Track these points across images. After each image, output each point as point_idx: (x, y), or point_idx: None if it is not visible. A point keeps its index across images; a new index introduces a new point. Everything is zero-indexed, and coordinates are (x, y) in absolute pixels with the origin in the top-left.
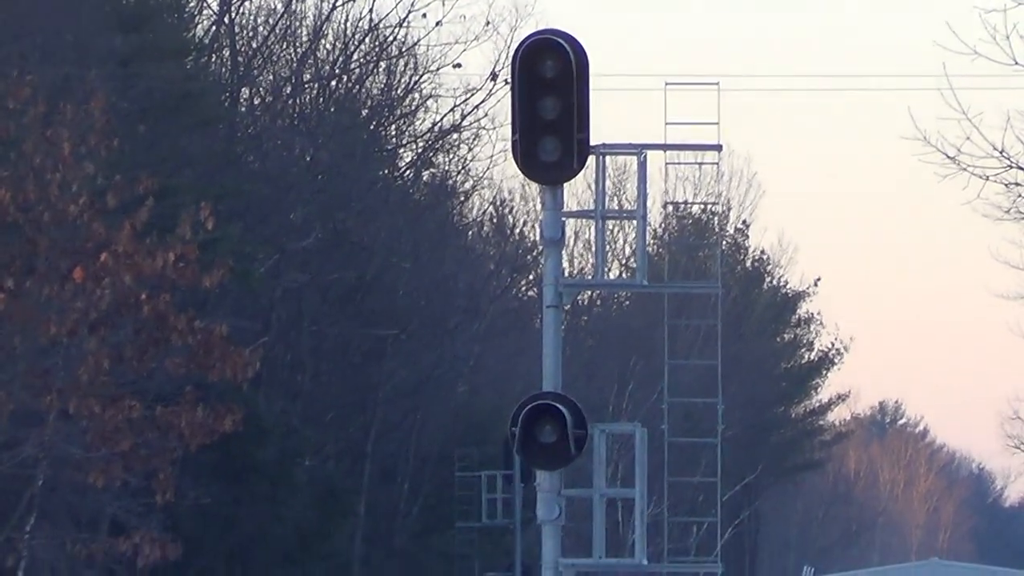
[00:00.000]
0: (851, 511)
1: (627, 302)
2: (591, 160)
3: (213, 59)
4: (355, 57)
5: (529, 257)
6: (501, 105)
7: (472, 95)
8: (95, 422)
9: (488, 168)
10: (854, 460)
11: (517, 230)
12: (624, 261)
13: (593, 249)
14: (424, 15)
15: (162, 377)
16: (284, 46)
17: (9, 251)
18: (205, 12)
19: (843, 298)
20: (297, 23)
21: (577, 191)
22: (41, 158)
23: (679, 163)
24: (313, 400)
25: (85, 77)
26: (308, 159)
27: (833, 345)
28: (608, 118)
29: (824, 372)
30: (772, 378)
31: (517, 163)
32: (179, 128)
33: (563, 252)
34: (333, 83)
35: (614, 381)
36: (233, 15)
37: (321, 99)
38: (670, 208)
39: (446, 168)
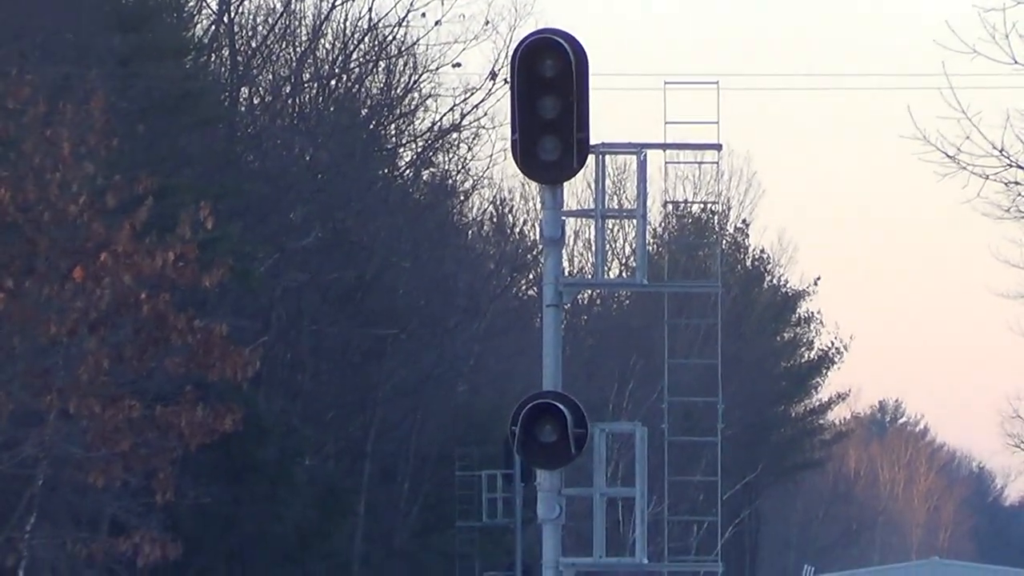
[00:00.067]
0: (851, 510)
1: (627, 301)
2: (591, 159)
3: (212, 59)
4: (354, 56)
5: (529, 256)
6: (501, 104)
7: (472, 94)
8: (95, 422)
9: (488, 167)
10: (854, 459)
11: (517, 229)
12: (624, 260)
13: (593, 248)
14: (423, 14)
15: (162, 377)
16: (283, 45)
17: (9, 251)
18: (204, 12)
19: (843, 297)
20: (296, 23)
21: (577, 190)
22: (41, 158)
23: (679, 162)
24: (313, 399)
25: (85, 77)
26: (308, 159)
27: (833, 344)
28: (608, 117)
29: (824, 371)
30: (772, 377)
31: (517, 162)
32: (179, 128)
33: (563, 251)
34: (332, 82)
35: (614, 380)
36: (232, 15)
37: (320, 99)
38: (670, 207)
39: (446, 167)
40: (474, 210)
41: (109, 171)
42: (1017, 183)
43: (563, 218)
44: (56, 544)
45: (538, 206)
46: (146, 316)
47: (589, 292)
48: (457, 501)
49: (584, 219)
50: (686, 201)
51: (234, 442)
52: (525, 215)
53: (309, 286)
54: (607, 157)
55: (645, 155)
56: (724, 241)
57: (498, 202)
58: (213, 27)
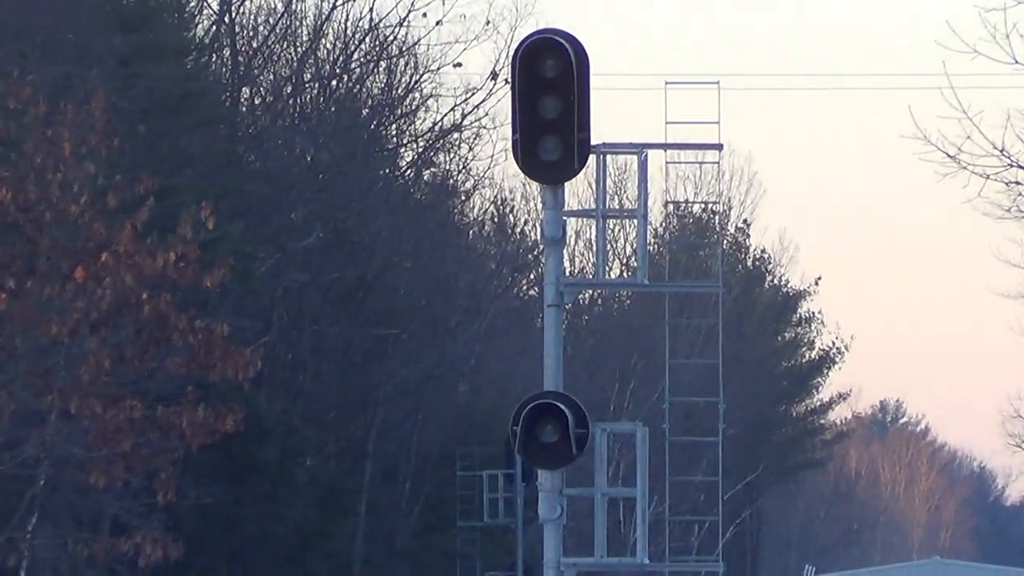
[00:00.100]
0: (852, 510)
1: (628, 301)
2: (592, 159)
3: (213, 59)
4: (355, 57)
5: (530, 256)
6: (501, 104)
7: (472, 94)
8: (96, 422)
9: (489, 167)
10: (855, 459)
11: (518, 229)
12: (625, 260)
13: (594, 248)
14: (424, 14)
15: (163, 377)
16: (284, 46)
17: (10, 251)
18: (205, 12)
19: (844, 297)
20: (297, 23)
21: (578, 190)
22: (42, 158)
23: (680, 162)
24: (314, 400)
25: (86, 77)
26: (309, 159)
27: (834, 344)
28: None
29: (825, 371)
30: (773, 377)
31: (518, 162)
32: (180, 128)
33: (564, 251)
34: (334, 83)
35: (615, 380)
36: (233, 15)
37: (322, 99)
38: (671, 207)
39: (447, 167)
40: (475, 210)
41: (110, 171)
42: (1018, 183)
43: (564, 218)
44: (57, 544)
45: (539, 206)
46: (147, 316)
47: (590, 292)
48: (458, 501)
49: (585, 219)
50: (687, 201)
51: (235, 442)
52: (526, 215)
53: (310, 286)
54: (608, 157)
55: (646, 155)
56: (725, 241)
57: (499, 202)
58: (214, 27)
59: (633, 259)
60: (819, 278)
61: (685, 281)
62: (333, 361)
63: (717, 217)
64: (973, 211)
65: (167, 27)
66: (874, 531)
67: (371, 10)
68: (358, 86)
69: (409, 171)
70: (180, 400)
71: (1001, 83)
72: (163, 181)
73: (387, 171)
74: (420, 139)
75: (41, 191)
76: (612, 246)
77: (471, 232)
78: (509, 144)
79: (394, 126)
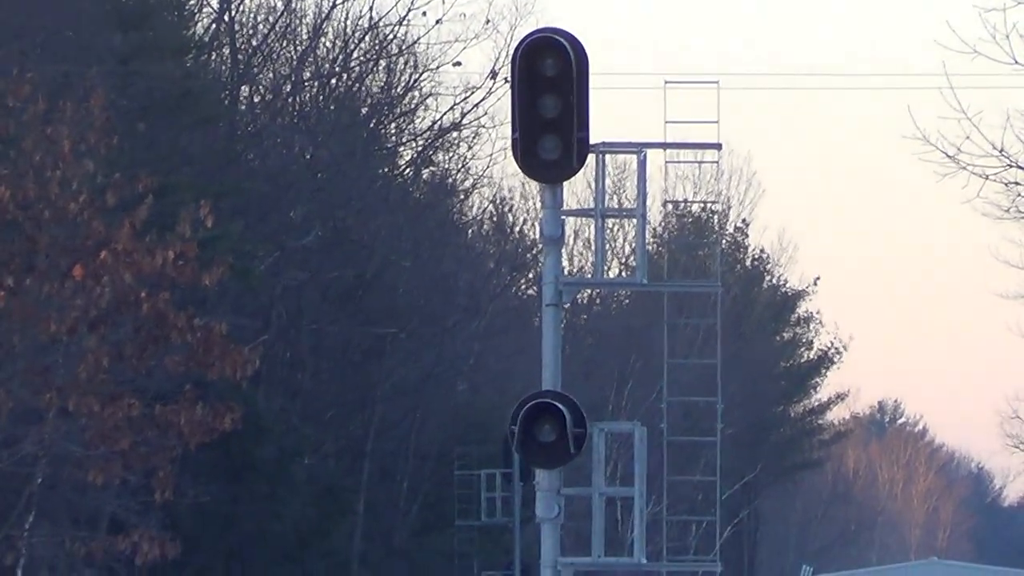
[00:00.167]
0: (850, 510)
1: (627, 301)
2: (591, 159)
3: (213, 57)
4: (355, 55)
5: (529, 255)
6: (501, 103)
7: (472, 93)
8: (94, 420)
9: (488, 166)
10: (853, 459)
11: (517, 228)
12: (624, 260)
13: (593, 248)
14: (424, 13)
15: (161, 375)
16: (284, 44)
17: (9, 249)
18: (205, 10)
19: (843, 297)
20: (297, 21)
21: (577, 190)
22: (41, 156)
23: (679, 162)
24: (313, 398)
25: (85, 75)
26: (308, 157)
27: (832, 344)
28: (608, 117)
29: (823, 371)
30: (771, 377)
31: (517, 161)
32: (179, 126)
33: (563, 251)
34: (333, 81)
35: (613, 380)
36: (233, 13)
37: (321, 97)
38: (670, 207)
39: (446, 166)
40: (474, 209)
41: (109, 169)
42: (1017, 183)
43: (563, 217)
44: (55, 542)
45: (538, 205)
46: (146, 314)
47: (589, 291)
48: (456, 500)
49: (584, 218)
50: (686, 200)
51: (233, 441)
52: (525, 214)
53: (309, 285)
54: (607, 156)
55: (645, 154)
56: (724, 241)
57: (498, 201)
58: (214, 25)
59: (632, 258)
60: (818, 278)
61: (684, 281)
62: (332, 360)
63: (716, 217)
64: (972, 211)
65: (166, 25)
66: (872, 531)
67: (371, 9)
68: (357, 85)
69: (408, 170)
70: (178, 398)
71: (1001, 83)
72: (162, 179)
73: (386, 170)
74: (419, 138)
75: (40, 189)
76: (611, 245)
77: (470, 231)
78: (508, 143)
79: (393, 125)
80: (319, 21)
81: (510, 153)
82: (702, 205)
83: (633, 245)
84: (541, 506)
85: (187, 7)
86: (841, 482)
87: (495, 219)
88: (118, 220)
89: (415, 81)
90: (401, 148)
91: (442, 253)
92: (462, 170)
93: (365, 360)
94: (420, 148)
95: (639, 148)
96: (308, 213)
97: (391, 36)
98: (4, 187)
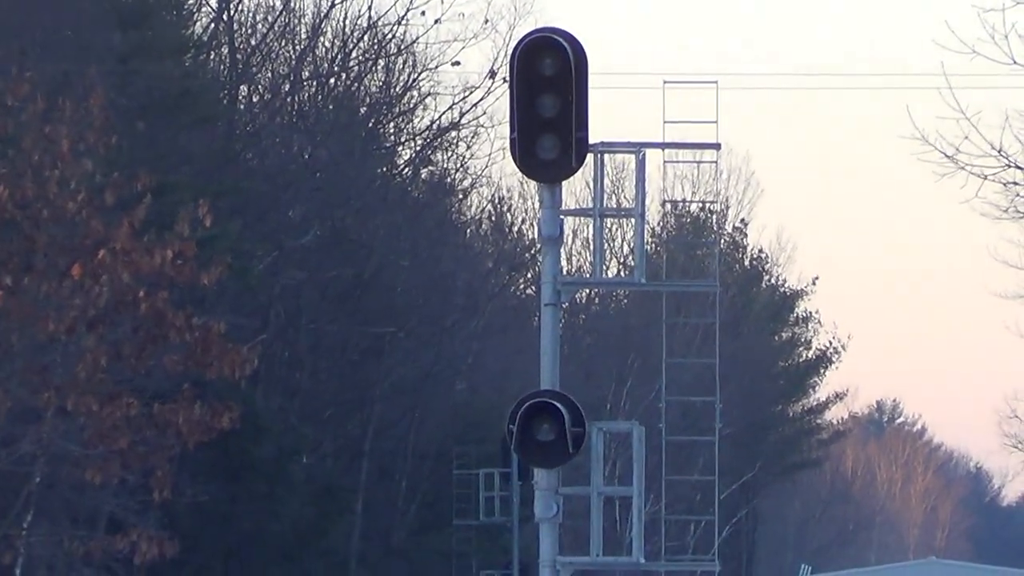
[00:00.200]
0: (848, 510)
1: (625, 300)
2: (589, 158)
3: (212, 56)
4: (354, 55)
5: (527, 255)
6: (500, 103)
7: (471, 93)
8: (93, 419)
9: (486, 166)
10: (852, 459)
11: (515, 228)
12: (622, 259)
13: (591, 247)
14: (423, 13)
15: (160, 374)
16: (283, 43)
17: (7, 248)
18: (204, 9)
19: (841, 297)
20: (296, 20)
21: (575, 189)
22: (40, 155)
23: (677, 161)
24: (311, 398)
25: (84, 74)
26: (306, 157)
27: (831, 344)
28: (607, 116)
29: (822, 370)
30: (770, 376)
31: (515, 161)
32: (178, 125)
33: (561, 250)
34: (332, 81)
35: (612, 379)
36: (232, 12)
37: (320, 97)
38: (668, 206)
39: (445, 166)
40: (473, 209)
41: (108, 168)
42: (1015, 183)
43: (561, 217)
44: (53, 542)
45: (536, 205)
46: (144, 314)
47: (587, 291)
48: (454, 499)
49: (582, 218)
50: (684, 200)
51: (232, 440)
52: (523, 214)
53: (307, 284)
54: (606, 156)
55: (644, 154)
56: (722, 240)
57: (496, 201)
58: (212, 25)
59: (630, 258)
60: (816, 278)
61: (682, 280)
62: (330, 359)
63: (715, 216)
64: (971, 211)
65: (166, 24)
66: (870, 531)
67: (370, 8)
68: (356, 84)
69: (407, 169)
70: (177, 398)
71: (999, 83)
72: (161, 178)
73: (385, 169)
74: (418, 137)
75: (39, 188)
76: (609, 245)
77: (468, 231)
78: (507, 143)
79: (392, 124)
80: (318, 20)
81: (508, 153)
82: (701, 205)
83: (631, 245)
84: (539, 505)
85: (186, 6)
86: (840, 482)
87: (494, 219)
88: (117, 219)
89: (414, 80)
90: (400, 147)
91: (440, 252)
92: (461, 170)
93: (363, 359)
94: (419, 148)
95: (638, 148)
96: (307, 212)
97: (390, 35)
98: (3, 186)
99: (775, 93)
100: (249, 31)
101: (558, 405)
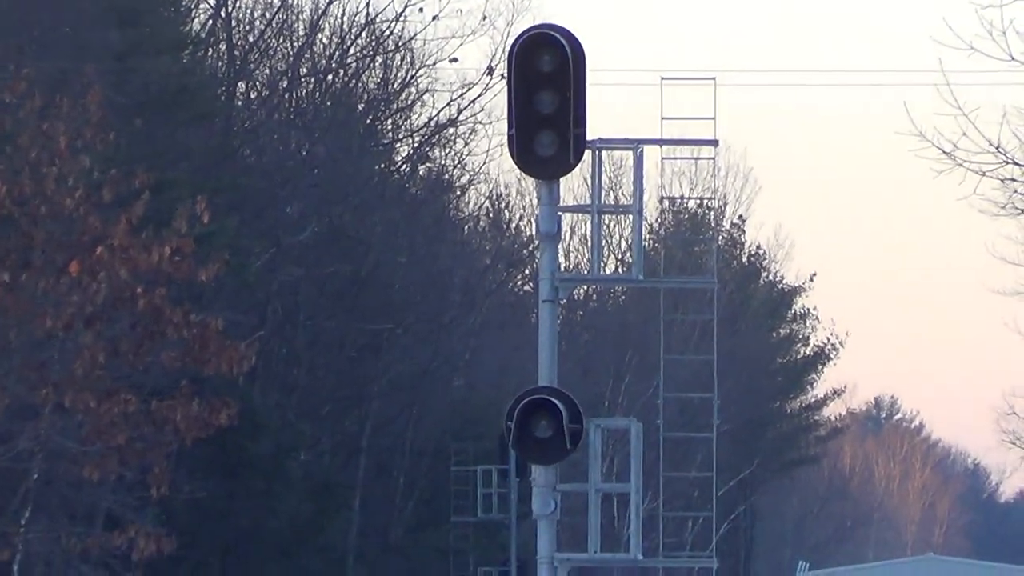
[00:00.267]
0: (846, 506)
1: (623, 297)
2: (587, 155)
3: (209, 53)
4: (351, 51)
5: (525, 252)
6: (497, 100)
7: (468, 90)
8: (90, 416)
9: (484, 163)
10: (850, 455)
11: (513, 225)
12: (620, 256)
13: (589, 244)
14: (421, 9)
15: (158, 371)
16: (280, 40)
17: (5, 244)
18: (202, 6)
19: (839, 293)
20: (294, 17)
21: (573, 186)
22: (37, 152)
23: (675, 158)
24: (309, 394)
25: (81, 71)
26: (304, 153)
27: (829, 340)
28: (604, 113)
29: (820, 367)
30: (768, 373)
31: (513, 158)
32: (175, 122)
33: (559, 247)
34: (329, 77)
35: (610, 376)
36: (230, 9)
37: (317, 93)
38: (666, 203)
39: (442, 163)
40: (470, 205)
41: (105, 165)
42: (1013, 180)
43: (559, 213)
44: (51, 538)
45: (534, 201)
46: (142, 310)
47: (585, 288)
48: (452, 496)
49: (580, 215)
50: (682, 197)
51: (229, 437)
52: (521, 210)
53: (305, 281)
54: (604, 153)
55: (642, 151)
56: (720, 237)
57: (494, 197)
58: (210, 22)
59: (628, 255)
60: (814, 274)
61: (680, 277)
62: (328, 355)
63: (712, 213)
64: (968, 208)
65: (163, 21)
66: (868, 527)
67: (367, 5)
68: (354, 81)
69: (404, 166)
70: (174, 394)
71: (997, 80)
72: (158, 175)
73: (382, 166)
74: (416, 134)
75: (36, 185)
76: (607, 242)
77: (466, 227)
78: (505, 139)
79: (390, 121)
80: (316, 17)
81: (506, 149)
82: (698, 201)
83: (629, 241)
84: (537, 502)
85: (183, 3)
86: (837, 478)
87: (491, 215)
88: (114, 216)
89: (412, 77)
90: (397, 144)
91: (438, 249)
92: (458, 166)
93: (361, 356)
94: (416, 144)
95: (636, 144)
96: (304, 209)
97: (388, 32)
98: (0, 183)
99: (773, 89)
100: (247, 28)
101: (556, 402)
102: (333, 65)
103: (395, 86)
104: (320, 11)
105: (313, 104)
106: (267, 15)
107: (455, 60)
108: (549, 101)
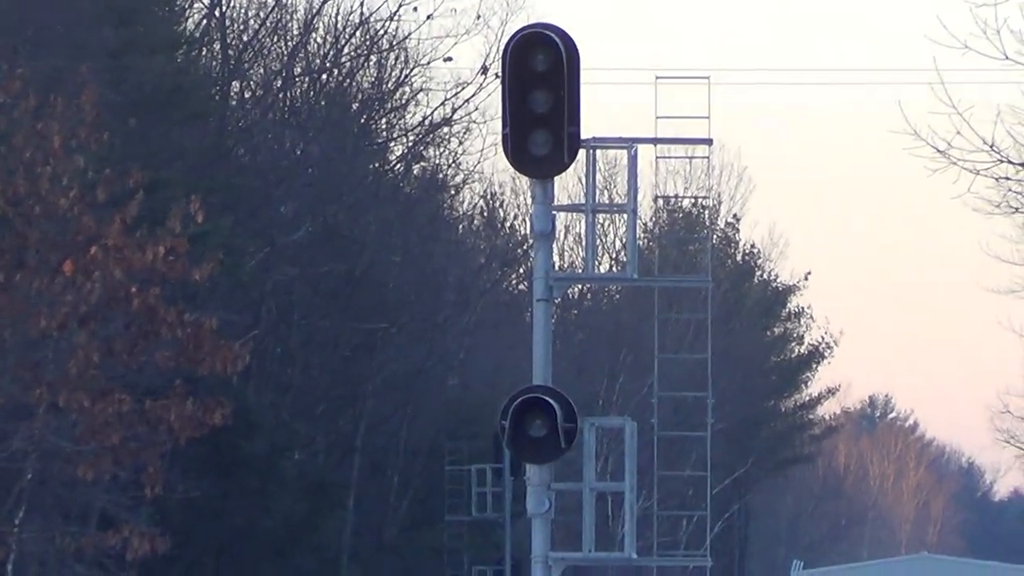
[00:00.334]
0: (841, 505)
1: (617, 296)
2: (581, 154)
3: (204, 52)
4: (346, 51)
5: (519, 251)
6: (492, 99)
7: (463, 89)
8: (85, 415)
9: (479, 162)
10: (844, 454)
11: (507, 224)
12: (614, 255)
13: (584, 243)
14: (415, 9)
15: (152, 370)
16: (275, 39)
17: None
18: (196, 5)
19: (833, 292)
20: (288, 16)
21: (567, 185)
22: (31, 151)
23: (670, 157)
24: (303, 393)
25: (76, 70)
26: (298, 153)
27: (823, 339)
28: (599, 112)
29: (814, 366)
30: (762, 372)
31: (507, 157)
32: (170, 122)
33: (553, 246)
34: (324, 76)
35: (604, 375)
36: (224, 8)
37: (312, 93)
38: (660, 202)
39: (437, 162)
40: (465, 204)
41: (100, 165)
42: (1007, 178)
43: (553, 212)
44: (45, 538)
45: (529, 200)
46: (136, 310)
47: (579, 286)
48: (446, 495)
49: (575, 214)
50: (677, 196)
51: (223, 436)
52: (516, 209)
53: (299, 280)
54: (598, 151)
55: (636, 150)
56: (715, 236)
57: (489, 196)
58: (204, 21)
59: (623, 253)
60: (808, 273)
61: (674, 276)
62: (322, 355)
63: (707, 212)
64: (963, 206)
65: (157, 21)
66: (862, 526)
67: (362, 4)
68: (348, 80)
69: (399, 165)
70: (168, 394)
71: (991, 79)
72: (153, 175)
73: (377, 165)
74: (410, 133)
75: (30, 184)
76: (602, 241)
77: (461, 226)
78: (499, 138)
79: (384, 120)
80: (310, 16)
81: (501, 148)
82: (693, 200)
83: (624, 240)
84: (532, 501)
85: (177, 2)
86: (832, 477)
87: (486, 214)
88: (108, 215)
89: (406, 76)
90: (392, 143)
91: (432, 248)
92: (453, 165)
93: (355, 355)
94: (411, 143)
95: (630, 143)
96: (298, 208)
97: (382, 31)
98: None
99: (768, 88)
100: (241, 27)
101: (550, 401)
102: (327, 64)
103: (389, 85)
104: (314, 10)
105: (307, 103)
106: (261, 14)
107: (449, 59)
108: (543, 100)
